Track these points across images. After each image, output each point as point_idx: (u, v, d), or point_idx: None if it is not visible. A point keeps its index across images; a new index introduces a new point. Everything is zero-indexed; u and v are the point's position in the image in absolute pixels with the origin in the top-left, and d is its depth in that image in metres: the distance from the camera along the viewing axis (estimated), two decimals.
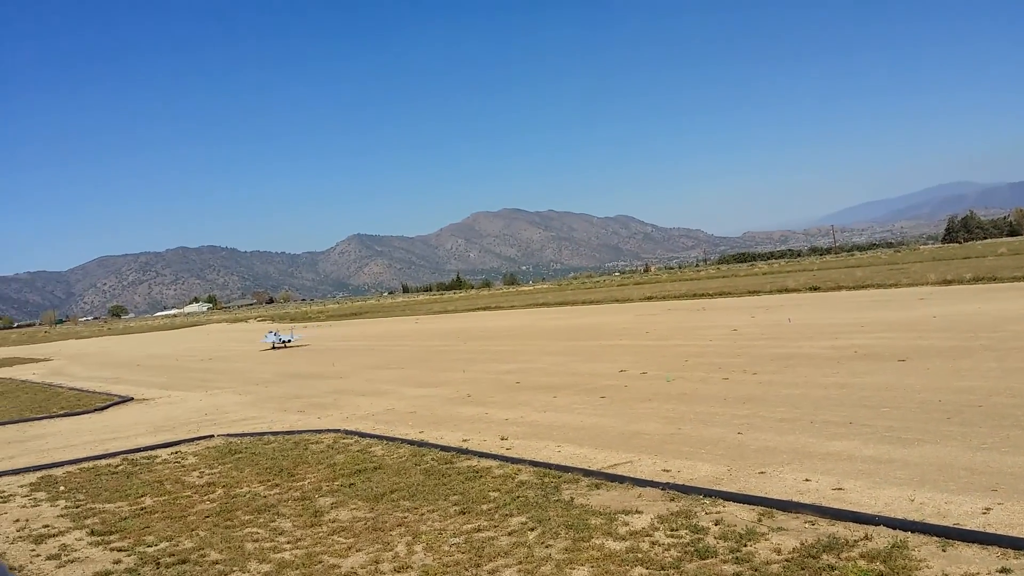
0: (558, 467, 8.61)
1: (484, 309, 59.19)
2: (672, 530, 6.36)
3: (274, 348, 36.25)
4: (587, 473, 8.27)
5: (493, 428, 11.46)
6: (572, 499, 7.41)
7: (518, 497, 7.60)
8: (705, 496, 7.14)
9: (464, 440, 10.68)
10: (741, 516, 6.56)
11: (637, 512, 6.88)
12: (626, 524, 6.59)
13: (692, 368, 15.64)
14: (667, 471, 8.19)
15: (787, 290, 41.06)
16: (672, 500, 7.14)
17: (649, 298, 48.65)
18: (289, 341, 37.47)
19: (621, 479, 7.93)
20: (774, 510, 6.62)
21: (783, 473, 7.73)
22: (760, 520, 6.43)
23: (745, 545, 5.90)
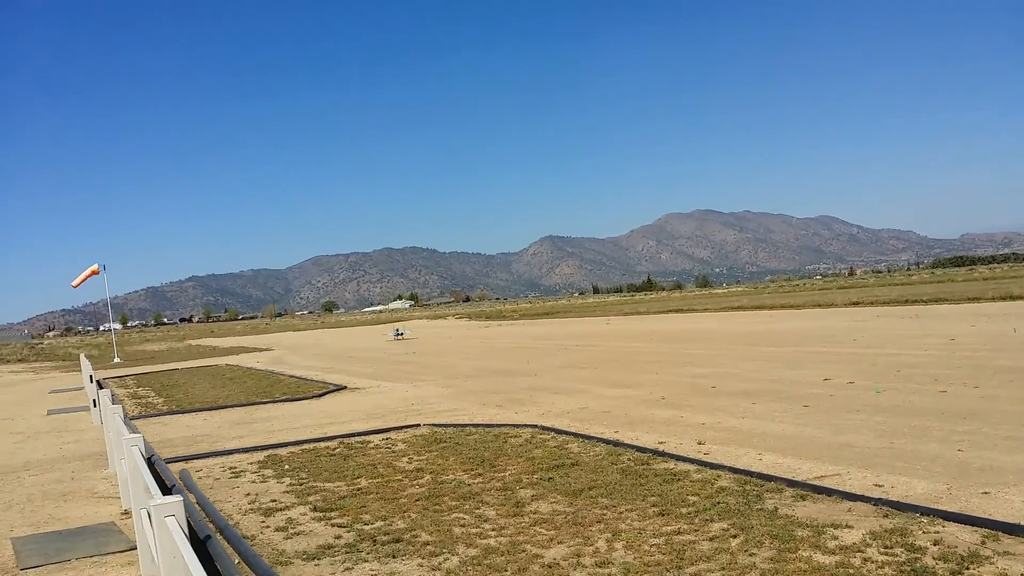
0: (760, 475, 8.41)
1: (676, 312, 58.31)
2: (886, 547, 6.06)
3: (396, 339, 48.36)
4: (791, 483, 8.03)
5: (689, 432, 11.34)
6: (776, 509, 7.23)
7: (719, 503, 7.52)
8: (922, 514, 6.74)
9: (660, 442, 10.65)
10: (962, 537, 6.15)
11: (847, 527, 6.62)
12: (835, 538, 6.35)
13: (904, 379, 14.73)
14: (879, 486, 7.80)
15: (1012, 297, 37.68)
16: (885, 516, 6.80)
17: (855, 303, 46.07)
18: (402, 335, 49.44)
19: (829, 491, 7.63)
20: (1000, 533, 6.15)
21: (1010, 495, 7.16)
22: (984, 543, 6.00)
23: (967, 568, 5.54)
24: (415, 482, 9.39)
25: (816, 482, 8.04)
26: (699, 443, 10.49)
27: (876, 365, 17.21)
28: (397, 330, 53.34)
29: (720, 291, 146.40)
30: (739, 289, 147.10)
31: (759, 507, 7.30)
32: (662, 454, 9.82)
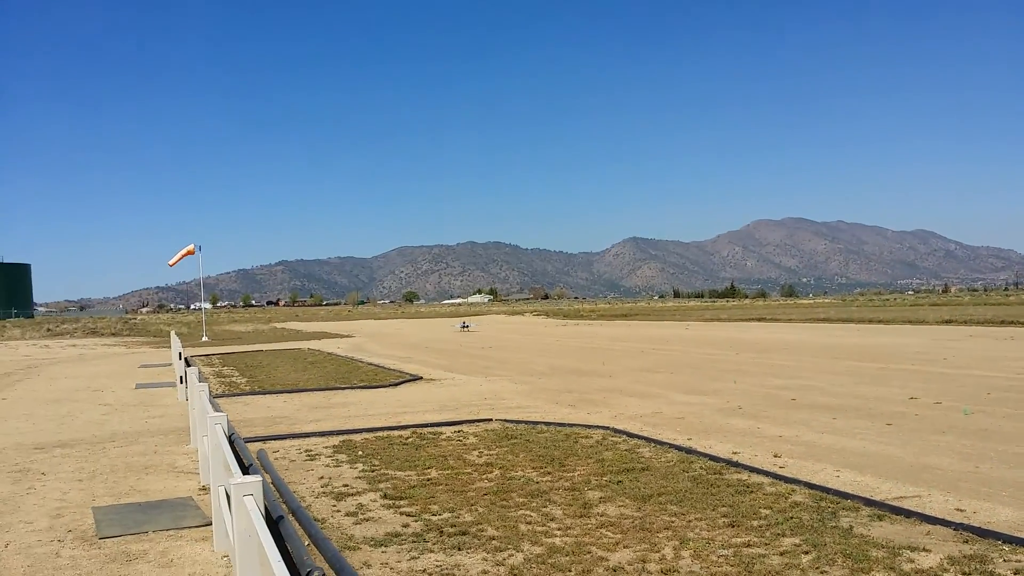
0: (836, 492, 8.17)
1: (758, 320, 57.12)
2: (964, 573, 5.82)
3: (463, 330, 53.50)
4: (869, 503, 7.78)
5: (765, 444, 11.10)
6: (851, 527, 7.02)
7: (791, 518, 7.34)
8: (1005, 542, 6.45)
9: (734, 452, 10.46)
10: None
11: (924, 550, 6.38)
12: (911, 561, 6.13)
13: (996, 403, 14.12)
14: (961, 511, 7.49)
15: None
16: (965, 542, 6.53)
17: (947, 321, 44.37)
18: (467, 327, 54.73)
19: (907, 513, 7.37)
20: None
21: None
22: None
23: None
24: (484, 476, 9.44)
25: (895, 503, 7.77)
26: (775, 456, 10.26)
27: (965, 386, 16.55)
28: (464, 323, 58.57)
29: (806, 302, 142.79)
30: (826, 301, 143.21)
31: (833, 524, 7.10)
32: (736, 464, 9.64)
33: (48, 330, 64.12)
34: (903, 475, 9.02)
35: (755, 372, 20.71)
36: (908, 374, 19.25)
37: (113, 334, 60.48)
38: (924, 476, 8.94)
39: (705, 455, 10.18)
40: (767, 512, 7.54)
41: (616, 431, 12.18)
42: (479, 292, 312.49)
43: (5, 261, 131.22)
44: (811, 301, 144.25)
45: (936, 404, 14.26)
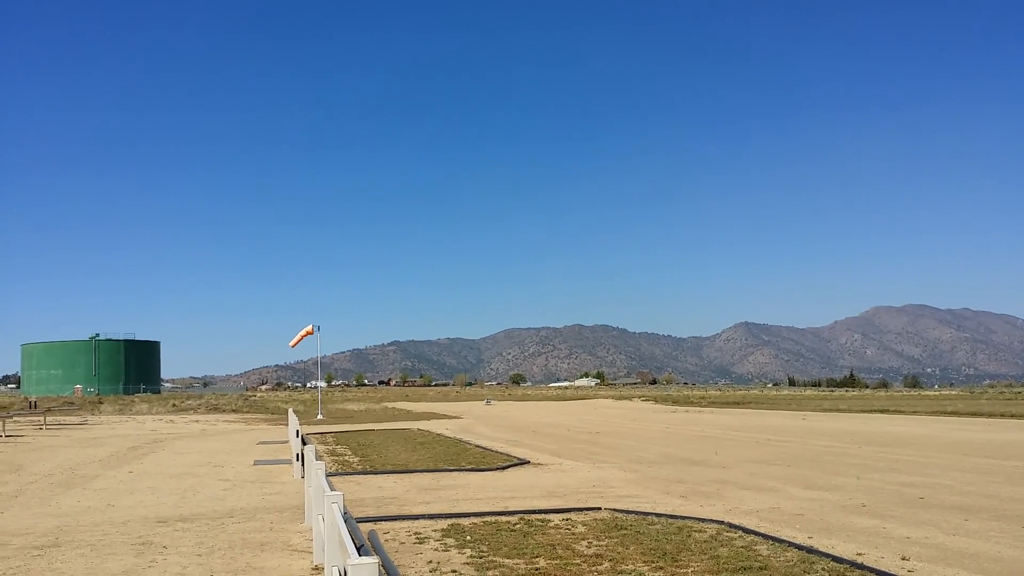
0: None
1: (881, 412, 54.43)
2: None
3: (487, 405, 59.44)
4: None
5: (892, 545, 10.48)
6: None
7: None
8: None
9: (859, 554, 9.90)
10: None
11: None
12: None
13: None
14: None
15: None
16: None
17: None
18: (491, 403, 60.84)
19: None
20: None
21: None
22: None
23: None
24: (594, 568, 9.24)
25: None
26: (903, 558, 9.67)
27: None
28: (488, 399, 70.50)
29: (932, 393, 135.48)
30: (953, 393, 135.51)
31: None
32: (861, 567, 9.12)
33: (173, 405, 67.15)
34: None
35: (879, 467, 19.68)
36: None
37: (234, 410, 62.79)
38: None
39: (828, 555, 9.68)
40: None
41: (731, 526, 11.75)
42: (586, 375, 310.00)
43: (137, 339, 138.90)
44: (936, 393, 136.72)
45: None
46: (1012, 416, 44.35)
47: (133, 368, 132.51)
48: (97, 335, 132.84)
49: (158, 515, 13.57)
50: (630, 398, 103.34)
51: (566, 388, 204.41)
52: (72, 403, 69.60)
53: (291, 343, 53.13)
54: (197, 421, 48.98)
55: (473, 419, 49.12)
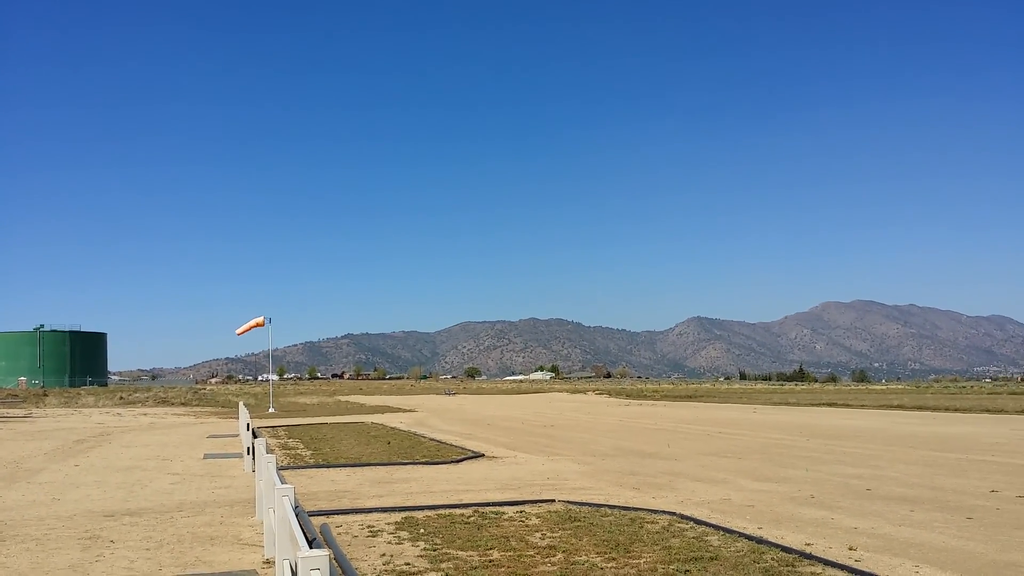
0: None
1: (829, 405, 55.52)
2: None
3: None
4: None
5: (840, 536, 10.67)
6: None
7: None
8: None
9: (807, 544, 10.07)
10: None
11: None
12: None
13: None
14: None
15: None
16: None
17: None
18: (452, 394, 59.64)
19: None
20: None
21: None
22: None
23: None
24: (547, 559, 9.26)
25: None
26: (850, 548, 9.85)
27: None
28: (449, 391, 72.45)
29: (879, 387, 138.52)
30: (900, 387, 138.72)
31: None
32: (809, 556, 9.27)
33: (121, 398, 65.89)
34: (984, 571, 8.58)
35: (827, 459, 20.05)
36: (988, 465, 18.41)
37: (183, 404, 61.79)
38: (1007, 574, 8.48)
39: (777, 546, 9.82)
40: None
41: (683, 517, 11.86)
42: (541, 369, 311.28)
43: (83, 330, 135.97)
44: (884, 387, 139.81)
45: (1018, 498, 13.60)
46: (956, 410, 45.52)
47: (79, 360, 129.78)
48: (42, 326, 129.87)
49: (105, 509, 13.29)
50: (585, 392, 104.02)
51: (521, 382, 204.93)
52: (16, 395, 67.93)
53: (238, 331, 52.23)
54: (145, 414, 48.11)
55: (428, 412, 48.99)
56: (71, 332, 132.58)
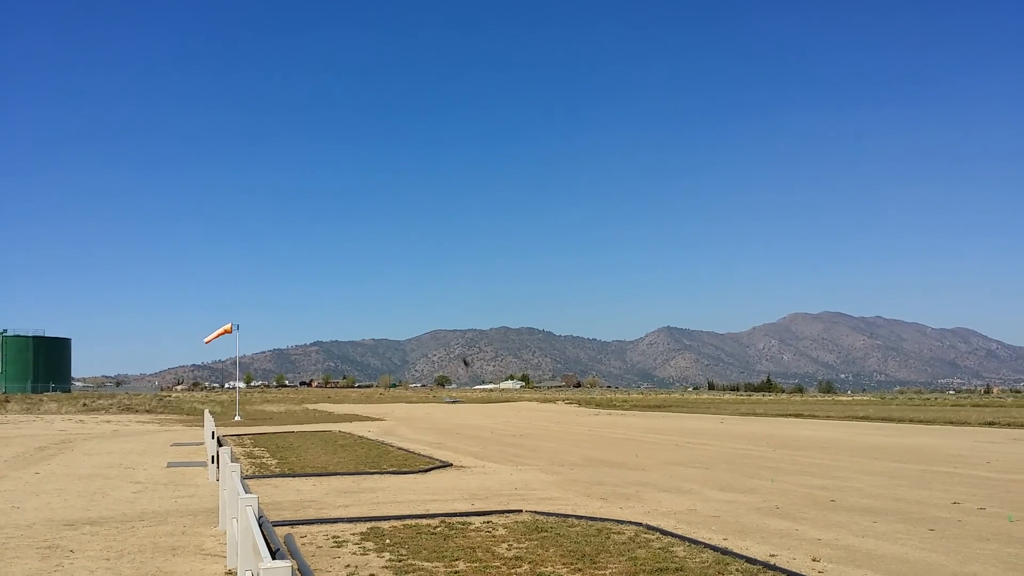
0: None
1: (795, 416, 56.09)
2: None
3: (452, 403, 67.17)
4: None
5: (804, 547, 10.77)
6: None
7: None
8: None
9: (771, 555, 10.15)
10: None
11: None
12: None
13: None
14: None
15: None
16: None
17: (990, 423, 43.21)
18: (456, 401, 64.43)
19: None
20: None
21: None
22: None
23: None
24: (513, 570, 9.24)
25: None
26: (814, 559, 9.94)
27: (1011, 492, 16.04)
28: (452, 398, 74.65)
29: (845, 398, 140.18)
30: (865, 398, 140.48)
31: None
32: (773, 568, 9.35)
33: (84, 405, 64.85)
34: None
35: (792, 470, 20.24)
36: (950, 477, 18.70)
37: (148, 411, 60.91)
38: None
39: (742, 557, 9.89)
40: None
41: (649, 528, 11.91)
42: (511, 378, 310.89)
43: (47, 335, 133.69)
44: (849, 398, 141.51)
45: (980, 510, 13.81)
46: (920, 422, 46.21)
47: (42, 366, 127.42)
48: (4, 331, 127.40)
49: (65, 518, 13.06)
50: (554, 401, 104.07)
51: (491, 391, 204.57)
52: None
53: (206, 339, 51.77)
54: (109, 421, 47.37)
55: (396, 421, 48.75)
56: (34, 337, 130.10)
